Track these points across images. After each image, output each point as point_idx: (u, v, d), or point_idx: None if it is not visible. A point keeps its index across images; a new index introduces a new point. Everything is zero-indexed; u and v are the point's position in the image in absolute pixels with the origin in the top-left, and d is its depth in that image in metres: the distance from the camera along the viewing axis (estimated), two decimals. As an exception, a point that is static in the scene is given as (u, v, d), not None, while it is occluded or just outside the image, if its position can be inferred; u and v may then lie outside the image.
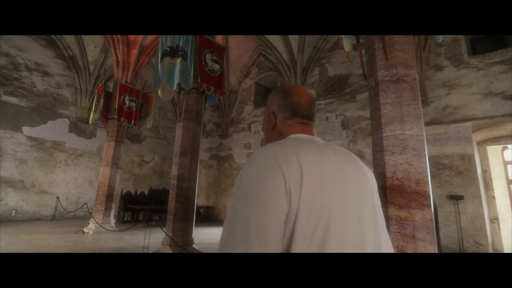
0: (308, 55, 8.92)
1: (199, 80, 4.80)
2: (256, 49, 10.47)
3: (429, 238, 2.28)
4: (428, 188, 2.40)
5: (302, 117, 0.76)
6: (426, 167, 2.44)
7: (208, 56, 5.08)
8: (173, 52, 4.89)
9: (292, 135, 0.73)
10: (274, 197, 0.55)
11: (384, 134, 2.59)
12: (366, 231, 0.62)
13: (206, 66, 4.99)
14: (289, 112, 0.76)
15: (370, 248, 0.61)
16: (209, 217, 10.42)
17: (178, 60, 4.81)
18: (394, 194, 2.42)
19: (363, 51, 3.19)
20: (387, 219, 2.42)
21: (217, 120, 11.55)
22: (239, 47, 10.46)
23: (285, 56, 9.12)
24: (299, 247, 0.54)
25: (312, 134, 0.76)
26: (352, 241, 0.59)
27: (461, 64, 6.38)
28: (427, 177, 2.42)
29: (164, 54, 4.94)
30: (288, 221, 0.55)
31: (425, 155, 2.48)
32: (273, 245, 0.53)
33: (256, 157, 0.62)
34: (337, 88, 8.34)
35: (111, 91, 7.82)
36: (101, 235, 6.31)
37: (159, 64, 4.93)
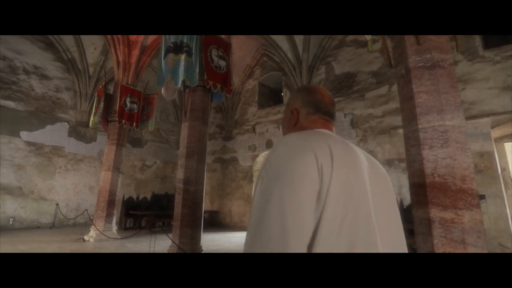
0: (314, 53, 8.69)
1: (205, 77, 4.53)
2: (259, 49, 10.25)
3: (480, 243, 1.98)
4: (475, 186, 2.11)
5: (324, 113, 0.76)
6: (471, 162, 2.15)
7: (214, 52, 4.82)
8: (177, 48, 4.64)
9: (316, 129, 0.73)
10: (307, 173, 0.53)
11: (420, 126, 2.31)
12: (393, 227, 0.64)
13: (212, 63, 4.73)
14: (313, 108, 0.76)
15: (395, 245, 0.63)
16: (213, 223, 10.09)
17: (183, 57, 4.56)
18: (436, 193, 2.13)
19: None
20: (429, 221, 2.13)
21: (220, 122, 11.28)
22: (241, 48, 10.22)
23: (289, 55, 8.88)
24: (327, 229, 0.51)
25: (332, 131, 0.76)
26: (377, 232, 0.57)
27: (476, 58, 6.13)
28: (473, 173, 2.13)
29: (167, 51, 4.69)
30: (318, 200, 0.52)
31: (468, 149, 2.19)
32: (308, 222, 0.51)
33: (284, 141, 0.61)
34: (344, 86, 8.09)
35: (111, 93, 7.56)
36: (103, 243, 5.99)
37: (163, 61, 4.68)
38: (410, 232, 5.58)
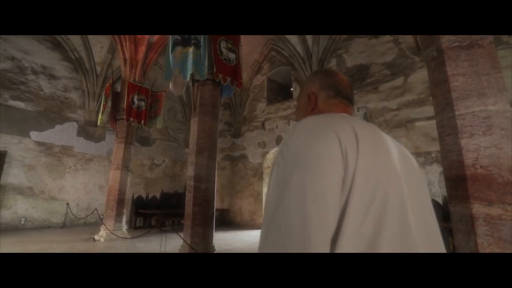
0: (324, 46, 8.42)
1: (214, 70, 4.36)
2: (267, 44, 10.03)
3: (534, 242, 1.74)
4: (525, 178, 1.86)
5: (344, 98, 0.71)
6: (519, 151, 1.91)
7: (223, 44, 4.64)
8: (185, 41, 4.48)
9: (336, 113, 0.66)
10: (330, 158, 0.47)
11: (457, 112, 2.07)
12: (428, 221, 0.56)
13: (221, 55, 4.55)
14: (332, 91, 0.71)
15: (431, 238, 0.55)
16: (224, 221, 9.96)
17: (191, 49, 4.39)
18: (479, 186, 1.90)
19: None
20: (471, 218, 1.90)
21: (229, 119, 11.12)
22: (249, 43, 10.01)
23: (299, 48, 8.64)
24: (353, 220, 0.45)
25: (353, 116, 0.69)
26: (412, 223, 0.50)
27: (500, 45, 5.78)
28: (522, 163, 1.88)
29: (175, 44, 4.53)
30: (343, 187, 0.46)
31: (515, 136, 1.95)
32: (332, 213, 0.44)
33: (302, 123, 0.54)
34: (357, 79, 7.80)
35: (119, 91, 7.48)
36: (113, 243, 5.91)
37: (170, 54, 4.53)
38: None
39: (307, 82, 0.76)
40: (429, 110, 6.37)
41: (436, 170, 6.08)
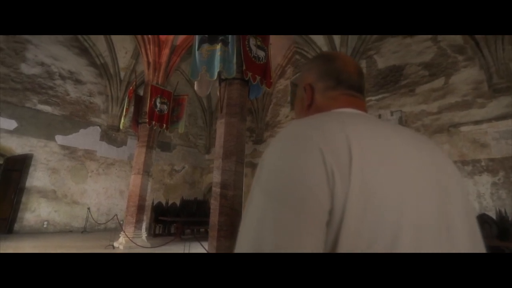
0: (353, 47, 7.96)
1: (243, 68, 4.06)
2: (291, 47, 9.73)
3: None
4: None
5: (349, 87, 0.55)
6: None
7: (252, 41, 4.35)
8: (212, 38, 4.22)
9: (337, 110, 0.53)
10: (309, 187, 0.35)
11: None
12: (460, 244, 0.40)
13: (251, 52, 4.25)
14: (332, 80, 0.56)
15: None
16: (244, 230, 9.54)
17: (218, 46, 4.13)
18: None
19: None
20: None
21: (250, 125, 10.80)
22: (272, 47, 9.74)
23: (325, 50, 8.23)
24: None
25: (363, 110, 0.54)
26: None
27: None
28: None
29: (202, 41, 4.29)
30: (331, 223, 0.34)
31: None
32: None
33: (282, 134, 0.42)
34: (390, 81, 7.26)
35: (141, 95, 7.41)
36: (132, 251, 5.66)
37: (197, 52, 4.29)
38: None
39: (304, 71, 0.62)
40: (477, 113, 5.72)
41: (487, 181, 5.39)
